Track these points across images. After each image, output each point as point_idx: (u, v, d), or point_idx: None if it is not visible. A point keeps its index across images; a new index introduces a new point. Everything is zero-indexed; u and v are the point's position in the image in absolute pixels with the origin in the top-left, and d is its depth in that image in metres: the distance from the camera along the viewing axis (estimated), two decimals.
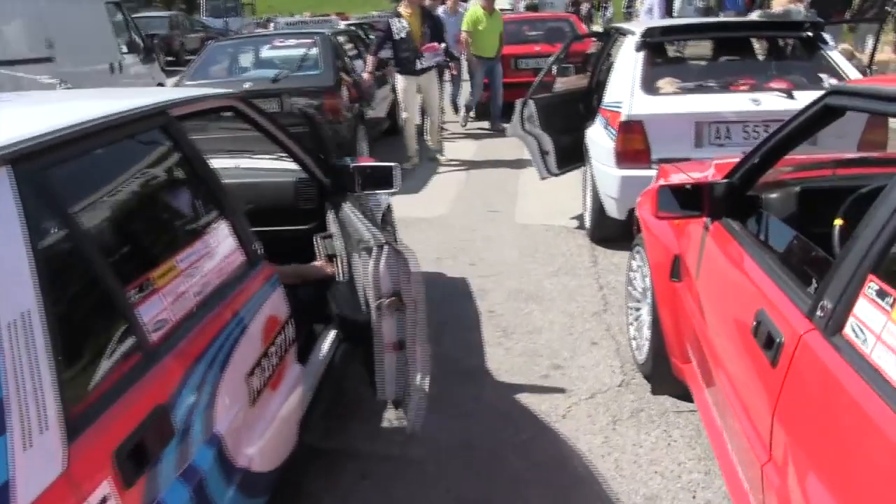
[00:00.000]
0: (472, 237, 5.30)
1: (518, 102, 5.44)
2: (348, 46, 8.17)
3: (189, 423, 1.55)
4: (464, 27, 8.72)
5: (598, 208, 4.80)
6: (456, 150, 8.31)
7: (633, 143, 4.39)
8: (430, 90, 7.72)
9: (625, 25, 5.68)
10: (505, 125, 8.06)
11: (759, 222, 2.25)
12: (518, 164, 7.38)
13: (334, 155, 3.11)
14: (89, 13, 8.90)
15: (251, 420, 1.87)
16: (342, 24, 13.78)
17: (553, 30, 10.27)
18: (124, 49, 9.90)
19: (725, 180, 2.39)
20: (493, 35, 8.79)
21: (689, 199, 2.42)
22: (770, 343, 1.59)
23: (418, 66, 7.37)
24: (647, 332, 3.15)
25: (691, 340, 2.60)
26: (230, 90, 2.57)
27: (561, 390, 3.15)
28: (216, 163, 3.58)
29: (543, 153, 5.42)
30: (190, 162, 2.02)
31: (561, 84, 5.94)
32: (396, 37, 7.22)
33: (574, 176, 6.24)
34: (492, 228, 5.47)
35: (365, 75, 7.48)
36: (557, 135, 5.41)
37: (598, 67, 5.87)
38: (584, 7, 28.51)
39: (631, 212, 4.58)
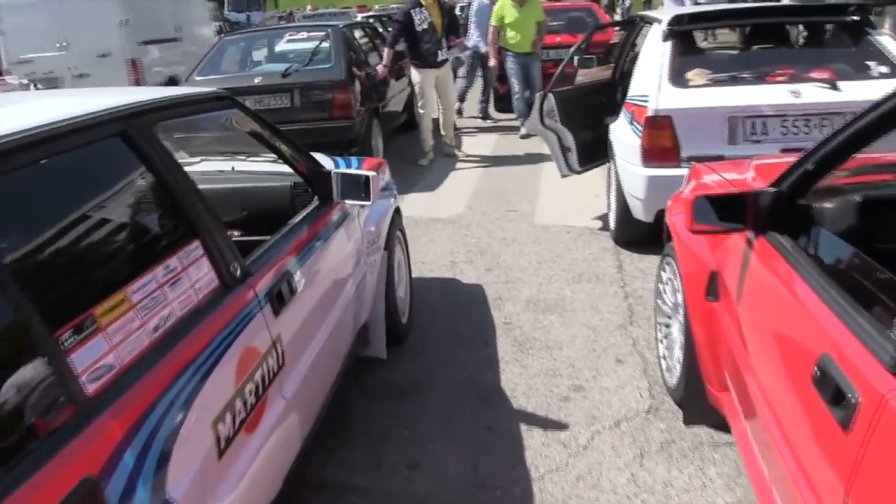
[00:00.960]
0: (489, 239, 5.01)
1: (537, 96, 5.13)
2: (364, 39, 7.87)
3: (129, 496, 1.29)
4: (492, 21, 7.90)
5: (623, 209, 4.49)
6: (473, 145, 8.01)
7: (661, 139, 4.07)
8: (447, 83, 7.47)
9: (650, 13, 5.34)
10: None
11: (814, 239, 1.93)
12: (538, 159, 7.06)
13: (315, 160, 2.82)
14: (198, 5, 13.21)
15: (218, 475, 1.60)
16: (360, 17, 13.53)
17: (574, 19, 9.89)
18: None
19: (773, 188, 2.08)
20: (526, 26, 7.78)
21: (729, 210, 2.11)
22: (839, 399, 1.29)
23: (440, 57, 7.09)
24: (678, 354, 2.85)
25: (730, 368, 2.30)
26: (215, 90, 2.28)
27: (582, 417, 2.86)
28: (209, 166, 3.38)
29: (565, 149, 5.11)
30: (155, 174, 1.75)
31: (583, 76, 5.62)
32: (418, 28, 6.91)
33: (597, 173, 5.91)
34: (510, 229, 5.17)
35: (380, 68, 7.21)
36: (579, 130, 5.10)
37: (622, 58, 5.54)
38: None
39: (659, 214, 4.29)
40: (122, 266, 1.59)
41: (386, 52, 7.19)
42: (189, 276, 1.67)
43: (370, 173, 2.61)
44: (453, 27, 7.31)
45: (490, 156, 7.55)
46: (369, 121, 6.56)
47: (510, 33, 7.82)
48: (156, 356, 1.49)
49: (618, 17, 20.21)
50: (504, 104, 9.57)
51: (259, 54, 7.19)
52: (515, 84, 7.96)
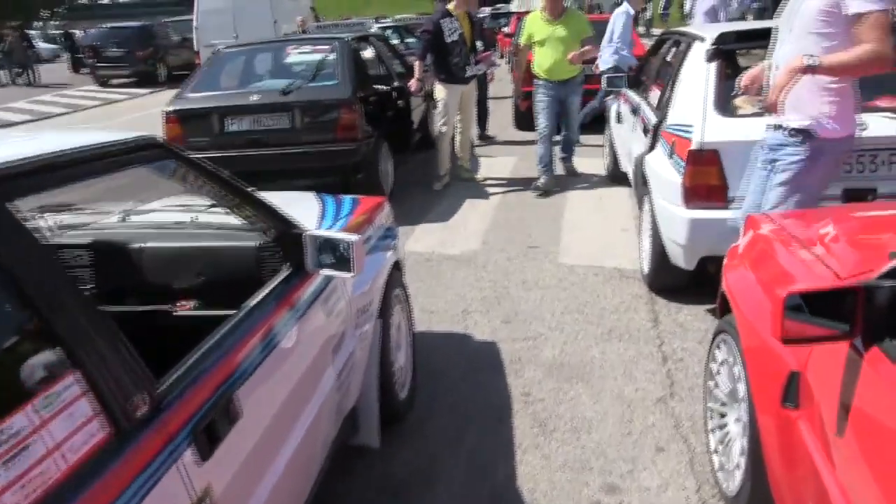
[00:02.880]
0: (506, 282, 4.45)
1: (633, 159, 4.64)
2: (369, 53, 7.32)
3: None
4: (521, 39, 6.63)
5: (660, 253, 3.92)
6: (491, 167, 7.45)
7: (706, 177, 3.51)
8: (471, 100, 6.90)
9: (689, 30, 4.75)
10: (569, 163, 6.93)
11: None
12: (563, 184, 6.51)
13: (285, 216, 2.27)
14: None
15: None
16: (375, 27, 13.04)
17: (599, 34, 9.26)
18: None
19: (890, 281, 1.52)
20: (563, 46, 6.15)
21: (828, 305, 1.55)
22: None
23: (468, 73, 6.51)
24: (738, 457, 2.28)
25: (816, 496, 1.73)
26: (140, 135, 1.74)
27: None
28: (163, 217, 2.83)
29: None
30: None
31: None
32: (448, 39, 6.31)
33: (628, 206, 5.37)
34: (531, 270, 4.61)
35: (412, 83, 6.66)
36: None
37: (655, 80, 4.98)
38: None
39: (702, 262, 3.72)
40: None
41: (417, 64, 6.65)
42: (52, 433, 1.13)
43: (353, 238, 2.07)
44: (485, 39, 6.79)
45: (509, 179, 6.99)
46: (377, 143, 6.02)
47: (542, 56, 6.28)
48: None
49: (640, 30, 19.56)
50: (526, 122, 9.02)
51: (259, 69, 6.68)
52: (542, 122, 6.33)
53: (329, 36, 7.66)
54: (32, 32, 27.54)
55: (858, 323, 1.51)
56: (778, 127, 3.05)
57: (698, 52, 3.91)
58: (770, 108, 3.00)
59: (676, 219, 3.61)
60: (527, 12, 12.80)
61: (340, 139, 5.61)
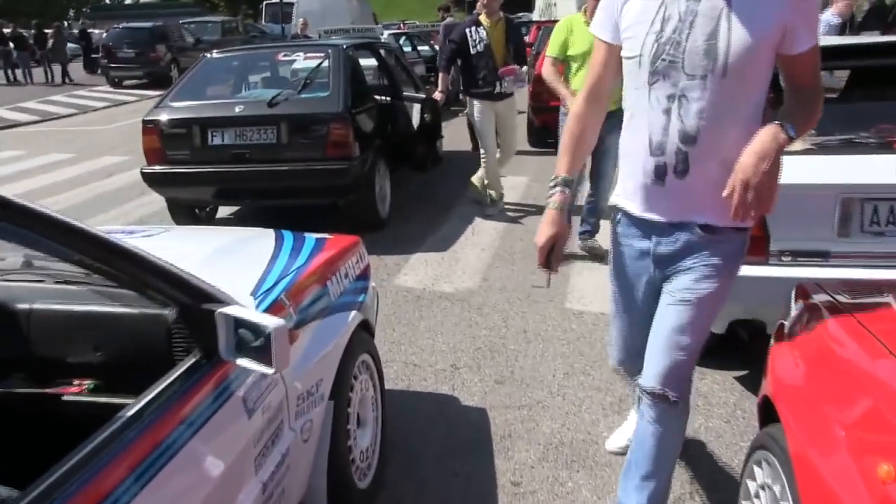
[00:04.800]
0: (505, 330, 3.90)
1: None
2: (369, 62, 6.79)
3: None
4: (550, 51, 4.77)
5: None
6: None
7: None
8: (508, 121, 6.01)
9: None
10: (592, 241, 5.00)
11: None
12: (577, 212, 5.94)
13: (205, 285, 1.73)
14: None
15: None
16: (385, 34, 12.54)
17: None
18: None
19: None
20: None
21: None
22: None
23: (498, 88, 5.75)
24: None
25: None
26: None
27: None
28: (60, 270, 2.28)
29: None
30: None
31: None
32: (472, 50, 5.72)
33: None
34: (532, 316, 4.06)
35: (437, 95, 6.18)
36: None
37: None
38: None
39: (733, 325, 3.16)
40: None
41: (441, 77, 6.16)
42: None
43: (273, 324, 1.54)
44: (519, 53, 5.90)
45: (518, 204, 6.43)
46: (374, 161, 5.49)
47: (581, 76, 4.54)
48: None
49: None
50: (540, 138, 8.49)
51: (248, 77, 6.18)
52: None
53: (323, 43, 7.14)
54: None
55: None
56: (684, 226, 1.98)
57: None
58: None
59: None
60: (550, 21, 12.12)
61: (331, 157, 5.09)
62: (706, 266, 1.96)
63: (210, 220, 6.13)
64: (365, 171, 5.33)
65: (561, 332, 3.84)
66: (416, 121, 6.66)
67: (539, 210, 5.93)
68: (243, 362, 1.62)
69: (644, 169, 1.92)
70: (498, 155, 6.14)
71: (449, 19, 12.10)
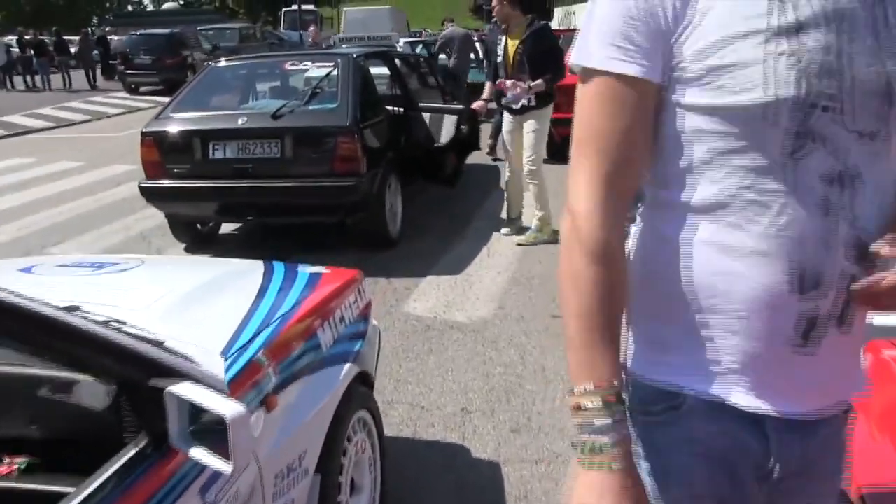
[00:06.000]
0: (520, 368, 3.56)
1: None
2: (381, 71, 6.47)
3: None
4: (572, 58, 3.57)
5: None
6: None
7: None
8: (520, 137, 5.49)
9: None
10: None
11: None
12: None
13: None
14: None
15: None
16: (401, 42, 12.25)
17: None
18: None
19: None
20: None
21: None
22: None
23: (511, 101, 5.36)
24: None
25: None
26: None
27: None
28: None
29: None
30: None
31: None
32: (497, 58, 5.43)
33: None
34: (552, 352, 3.71)
35: (477, 104, 5.81)
36: None
37: None
38: None
39: None
40: None
41: (487, 85, 5.79)
42: None
43: (234, 413, 1.22)
44: (537, 62, 5.27)
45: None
46: (384, 177, 5.18)
47: None
48: None
49: None
50: (560, 153, 8.12)
51: (254, 87, 5.90)
52: None
53: (332, 52, 6.84)
54: (76, 38, 27.70)
55: None
56: None
57: None
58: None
59: None
60: (570, 30, 11.61)
61: (338, 172, 4.79)
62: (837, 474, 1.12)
63: (212, 236, 5.84)
64: (374, 187, 5.02)
65: None
66: (449, 133, 6.26)
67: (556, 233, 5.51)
68: (197, 454, 1.30)
69: (771, 326, 0.95)
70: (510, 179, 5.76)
71: (449, 29, 11.57)
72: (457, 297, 4.50)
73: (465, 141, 6.30)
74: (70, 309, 1.57)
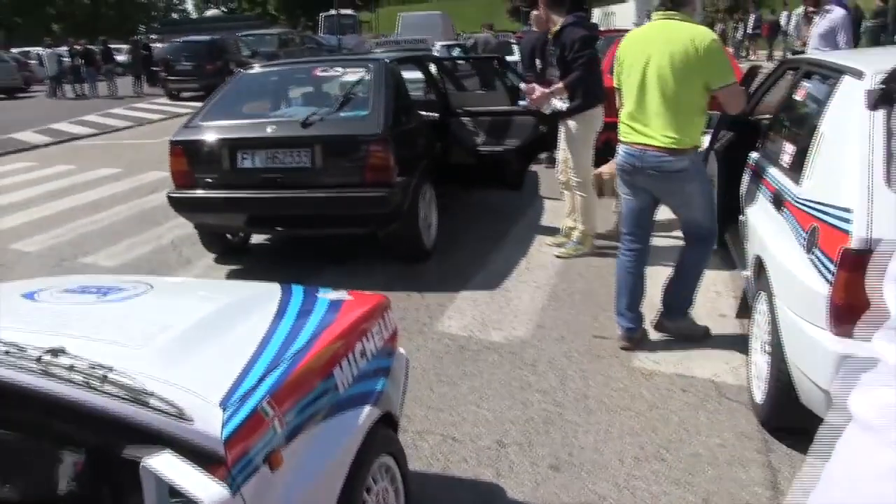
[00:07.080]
0: (560, 395, 3.31)
1: None
2: (413, 77, 6.24)
3: None
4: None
5: (783, 380, 2.72)
6: (556, 213, 6.07)
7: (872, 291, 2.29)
8: (570, 142, 5.19)
9: (830, 59, 3.44)
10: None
11: None
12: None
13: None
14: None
15: None
16: (438, 47, 12.06)
17: None
18: None
19: None
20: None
21: None
22: None
23: (543, 105, 5.09)
24: None
25: None
26: None
27: None
28: None
29: None
30: None
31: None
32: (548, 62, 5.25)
33: (724, 277, 4.19)
34: (594, 377, 3.45)
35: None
36: None
37: (775, 127, 3.77)
38: (718, 27, 25.08)
39: None
40: None
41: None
42: None
43: (213, 497, 1.01)
44: (566, 66, 5.00)
45: None
46: (418, 187, 4.97)
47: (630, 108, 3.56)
48: None
49: (729, 50, 17.91)
50: (602, 158, 7.83)
51: (285, 94, 5.73)
52: (623, 229, 3.78)
53: (364, 57, 6.64)
54: (122, 46, 28.21)
55: None
56: None
57: (853, 94, 2.71)
58: None
59: (817, 349, 2.41)
60: (608, 31, 11.23)
61: (370, 183, 4.59)
62: None
63: (242, 246, 5.71)
64: (408, 197, 4.82)
65: (629, 400, 3.23)
66: (524, 135, 5.91)
67: (598, 244, 5.25)
68: None
69: None
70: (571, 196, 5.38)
71: (483, 35, 11.21)
72: (493, 313, 4.26)
73: (542, 143, 6.00)
74: (55, 352, 1.40)
